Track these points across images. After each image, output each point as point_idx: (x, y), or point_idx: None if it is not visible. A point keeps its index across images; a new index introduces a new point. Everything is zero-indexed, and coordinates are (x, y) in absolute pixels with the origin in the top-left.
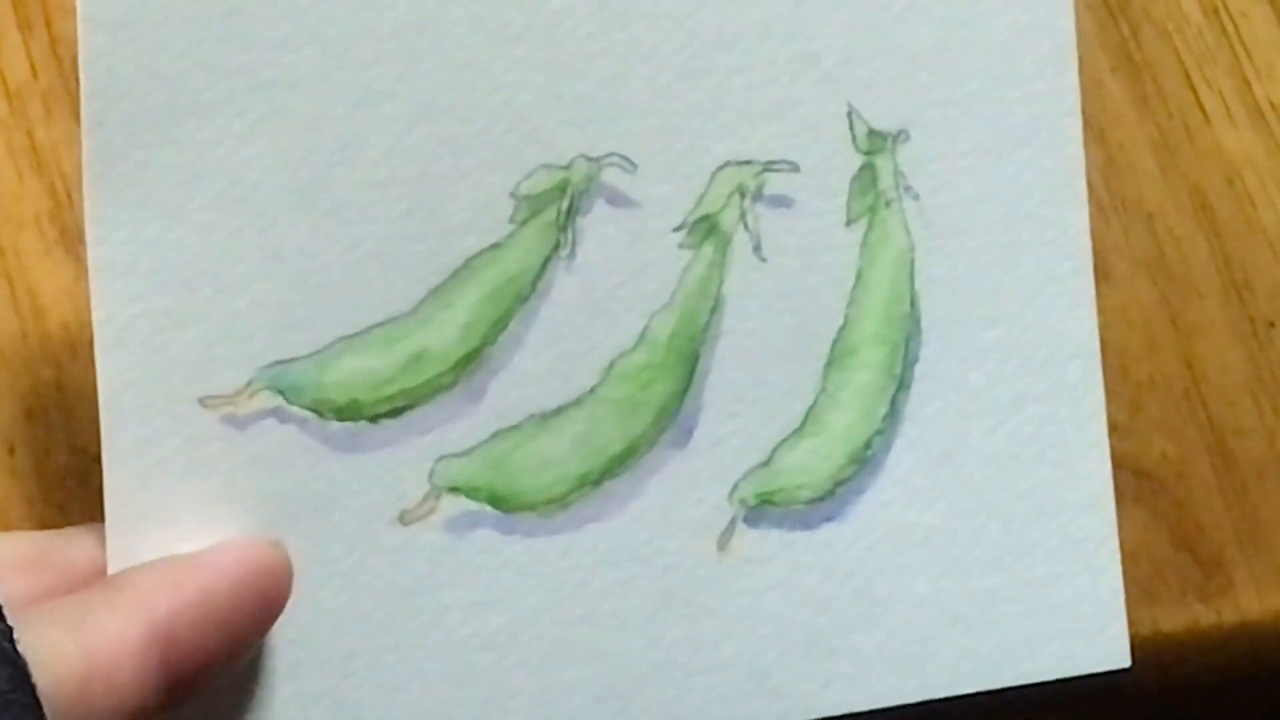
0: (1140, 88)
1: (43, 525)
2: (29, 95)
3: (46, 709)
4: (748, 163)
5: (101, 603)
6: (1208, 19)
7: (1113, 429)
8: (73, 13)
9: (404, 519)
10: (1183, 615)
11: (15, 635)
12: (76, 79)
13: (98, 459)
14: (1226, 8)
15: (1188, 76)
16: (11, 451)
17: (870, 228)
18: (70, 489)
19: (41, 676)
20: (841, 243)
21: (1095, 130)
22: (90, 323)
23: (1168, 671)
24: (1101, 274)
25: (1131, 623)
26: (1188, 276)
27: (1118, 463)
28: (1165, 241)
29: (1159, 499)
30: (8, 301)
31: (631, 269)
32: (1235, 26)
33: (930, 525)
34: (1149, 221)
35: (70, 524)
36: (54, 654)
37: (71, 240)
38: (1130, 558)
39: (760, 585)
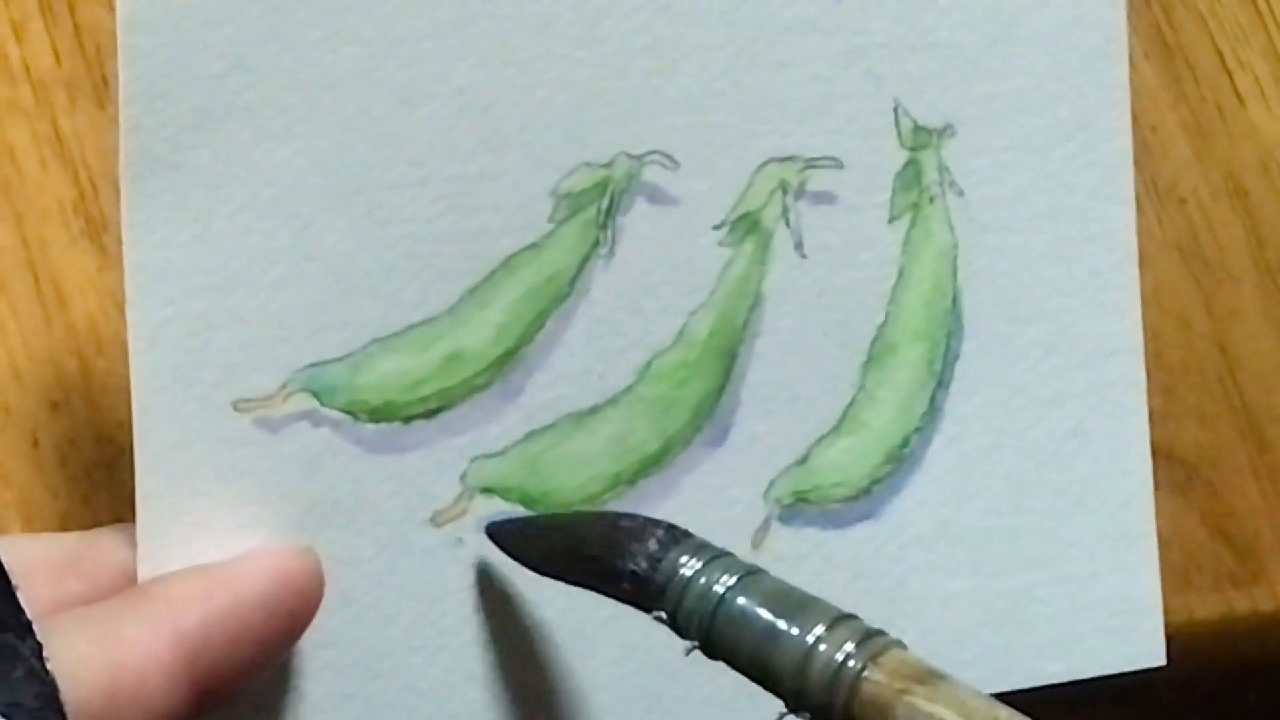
0: (1173, 71)
1: (68, 518)
2: (53, 84)
3: None
4: (790, 159)
5: (130, 613)
6: (1241, 1)
7: (1148, 415)
8: (97, 1)
9: (436, 520)
10: (1217, 602)
11: (44, 650)
12: (101, 68)
13: (123, 451)
14: None
15: (1221, 59)
16: (36, 444)
17: (913, 224)
18: (95, 481)
19: (68, 688)
20: (884, 239)
21: None
22: (115, 314)
23: (1203, 659)
24: None
25: (1166, 610)
26: (1222, 261)
27: (1152, 450)
28: (1199, 226)
29: (1193, 486)
30: (32, 293)
31: (671, 267)
32: (1270, 7)
33: (966, 523)
34: (1182, 206)
35: (95, 516)
36: (81, 665)
37: (96, 230)
38: (1164, 545)
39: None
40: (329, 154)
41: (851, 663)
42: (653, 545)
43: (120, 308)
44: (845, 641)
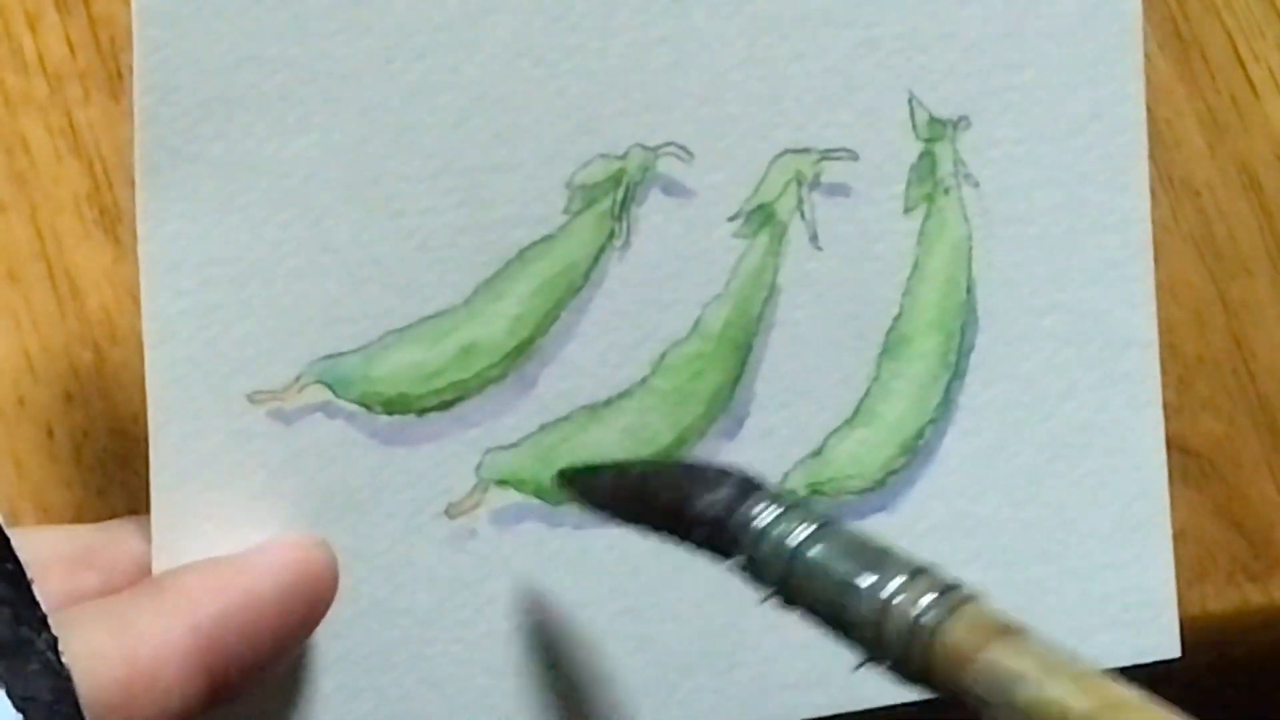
0: (1188, 63)
1: (82, 509)
2: (67, 76)
3: (87, 714)
4: (805, 151)
5: (145, 605)
6: None
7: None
8: None
9: (451, 512)
10: (1232, 595)
11: (59, 643)
12: (115, 60)
13: (138, 443)
14: None
15: (1236, 51)
16: (51, 435)
17: (928, 215)
18: (110, 473)
19: (83, 681)
20: (899, 231)
21: None
22: (130, 305)
23: (1217, 651)
24: None
25: (1180, 603)
26: (1236, 254)
27: (1166, 442)
28: (1214, 218)
29: (1208, 478)
30: (46, 284)
31: (686, 259)
32: None
33: (981, 515)
34: (1197, 199)
35: (110, 508)
36: (96, 658)
37: (111, 222)
38: (1179, 537)
39: None
40: (344, 146)
41: (929, 616)
42: (727, 493)
43: (135, 299)
44: (923, 594)
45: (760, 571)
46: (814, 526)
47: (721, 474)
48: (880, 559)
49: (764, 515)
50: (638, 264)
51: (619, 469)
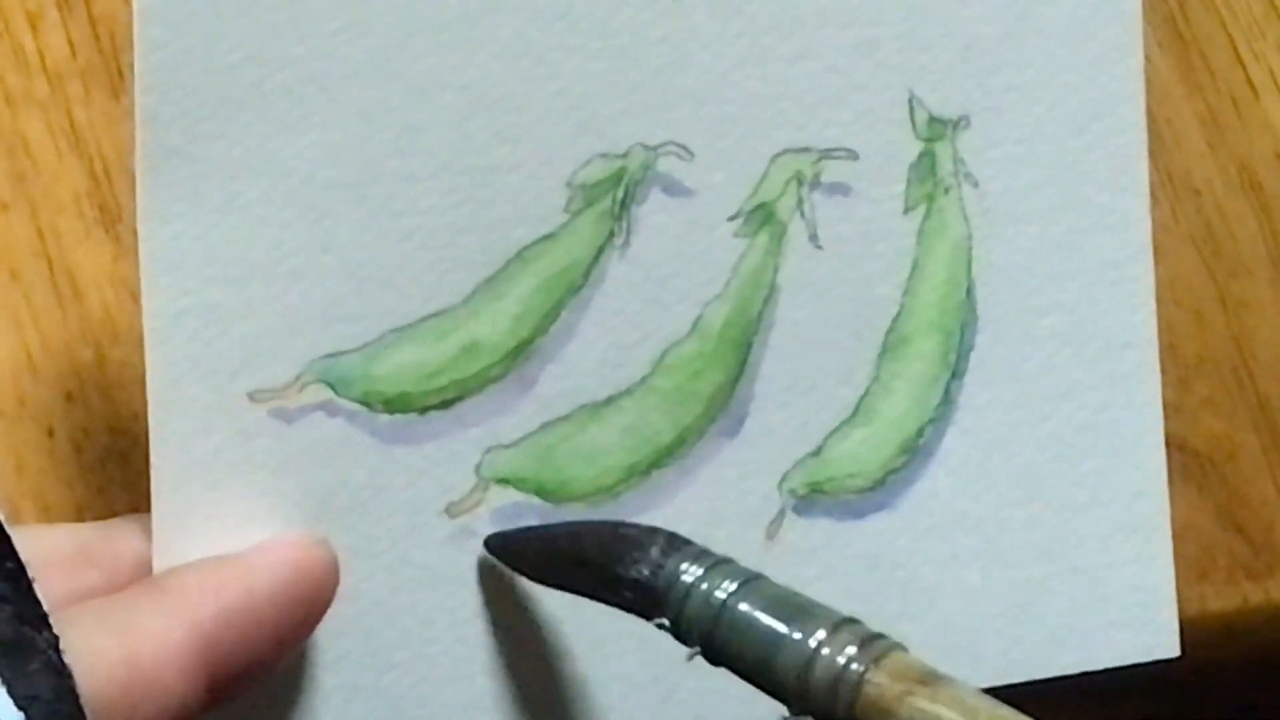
0: (1188, 62)
1: (83, 508)
2: (68, 75)
3: (88, 713)
4: (805, 150)
5: (145, 604)
6: None
7: (1162, 407)
8: None
9: (451, 511)
10: (1232, 594)
11: (60, 643)
12: (116, 59)
13: (138, 441)
14: None
15: (1236, 51)
16: (51, 434)
17: (928, 215)
18: (110, 471)
19: (84, 680)
20: (898, 230)
21: None
22: (130, 304)
23: (1217, 651)
24: None
25: (1180, 602)
26: (1236, 253)
27: (1166, 441)
28: (1213, 218)
29: (1208, 477)
30: (47, 283)
31: (686, 258)
32: None
33: (981, 514)
34: (1197, 198)
35: (111, 506)
36: (97, 657)
37: (111, 220)
38: (1179, 537)
39: (808, 575)
40: (345, 145)
41: (854, 666)
42: (654, 553)
43: (135, 298)
44: (847, 645)
45: (687, 629)
46: (739, 582)
47: (648, 533)
48: (805, 612)
49: (690, 572)
50: (638, 263)
51: (543, 533)
